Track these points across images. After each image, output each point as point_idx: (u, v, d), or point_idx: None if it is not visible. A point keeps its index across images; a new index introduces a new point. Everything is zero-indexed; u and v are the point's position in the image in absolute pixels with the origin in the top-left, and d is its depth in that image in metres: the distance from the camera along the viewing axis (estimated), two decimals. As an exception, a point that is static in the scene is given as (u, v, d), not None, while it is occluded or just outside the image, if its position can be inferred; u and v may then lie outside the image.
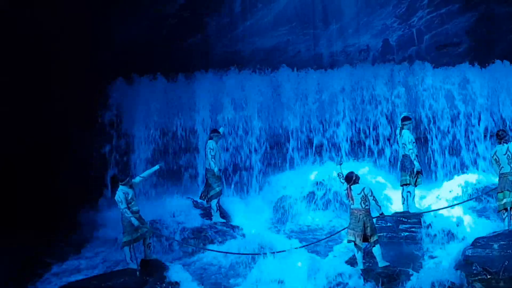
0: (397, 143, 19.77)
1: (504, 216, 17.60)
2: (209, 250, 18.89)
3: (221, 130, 20.96)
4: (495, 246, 15.93)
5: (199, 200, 20.87)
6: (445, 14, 24.61)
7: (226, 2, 24.39)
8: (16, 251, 19.03)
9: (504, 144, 17.49)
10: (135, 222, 17.11)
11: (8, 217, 19.88)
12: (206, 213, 20.57)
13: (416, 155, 19.01)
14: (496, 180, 17.77)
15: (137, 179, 17.78)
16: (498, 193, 17.62)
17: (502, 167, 17.42)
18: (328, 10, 24.66)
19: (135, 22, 23.28)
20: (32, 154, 21.40)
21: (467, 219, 18.99)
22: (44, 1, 21.08)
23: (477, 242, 16.18)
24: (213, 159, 20.14)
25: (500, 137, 17.63)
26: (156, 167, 18.37)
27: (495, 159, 17.56)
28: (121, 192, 17.16)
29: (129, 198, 17.20)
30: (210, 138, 20.42)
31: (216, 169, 20.18)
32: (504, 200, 17.43)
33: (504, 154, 17.39)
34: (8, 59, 20.62)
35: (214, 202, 20.30)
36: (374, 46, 24.92)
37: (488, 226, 18.63)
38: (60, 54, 21.71)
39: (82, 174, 22.31)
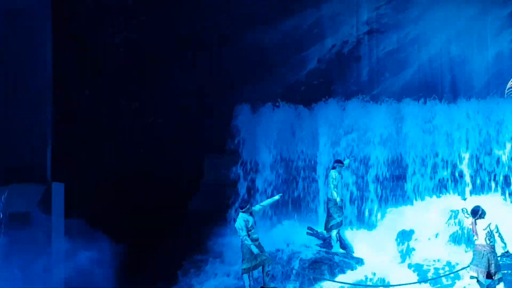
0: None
1: None
2: (328, 280, 18.82)
3: (346, 161, 21.00)
4: None
5: (319, 230, 20.84)
6: None
7: (354, 70, 24.79)
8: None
9: None
10: (255, 249, 17.20)
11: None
12: (326, 243, 20.47)
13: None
14: None
15: (257, 208, 17.89)
16: None
17: None
18: (457, 79, 24.42)
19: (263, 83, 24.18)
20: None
21: None
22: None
23: None
24: (335, 189, 20.18)
25: None
26: (277, 197, 18.46)
27: None
28: (242, 220, 17.31)
29: (249, 225, 17.30)
30: (333, 168, 20.51)
31: (337, 199, 20.17)
32: None
33: None
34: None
35: (334, 232, 20.24)
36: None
37: None
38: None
39: (205, 200, 22.82)
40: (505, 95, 21.81)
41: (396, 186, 22.26)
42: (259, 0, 24.21)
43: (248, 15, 23.97)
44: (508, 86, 22.49)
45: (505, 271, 17.35)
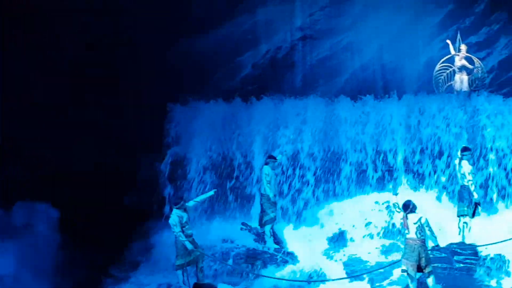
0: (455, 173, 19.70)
1: None
2: (261, 276, 18.88)
3: (279, 157, 21.03)
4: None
5: (253, 225, 20.91)
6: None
7: (288, 76, 25.30)
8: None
9: None
10: (189, 245, 17.23)
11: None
12: (260, 239, 20.52)
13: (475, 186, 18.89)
14: None
15: (191, 203, 17.93)
16: None
17: None
18: (389, 86, 24.81)
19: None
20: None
21: (526, 253, 18.59)
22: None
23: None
24: (268, 185, 20.20)
25: None
26: (211, 192, 18.52)
27: None
28: (176, 216, 17.31)
29: (183, 221, 17.34)
30: (266, 164, 20.50)
31: (271, 195, 20.21)
32: None
33: None
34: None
35: (268, 228, 20.30)
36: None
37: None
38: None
39: (140, 196, 22.74)
40: (433, 80, 22.46)
41: (329, 181, 22.45)
42: (195, 5, 24.20)
43: (184, 20, 23.95)
44: (436, 69, 23.16)
45: (436, 265, 17.64)
